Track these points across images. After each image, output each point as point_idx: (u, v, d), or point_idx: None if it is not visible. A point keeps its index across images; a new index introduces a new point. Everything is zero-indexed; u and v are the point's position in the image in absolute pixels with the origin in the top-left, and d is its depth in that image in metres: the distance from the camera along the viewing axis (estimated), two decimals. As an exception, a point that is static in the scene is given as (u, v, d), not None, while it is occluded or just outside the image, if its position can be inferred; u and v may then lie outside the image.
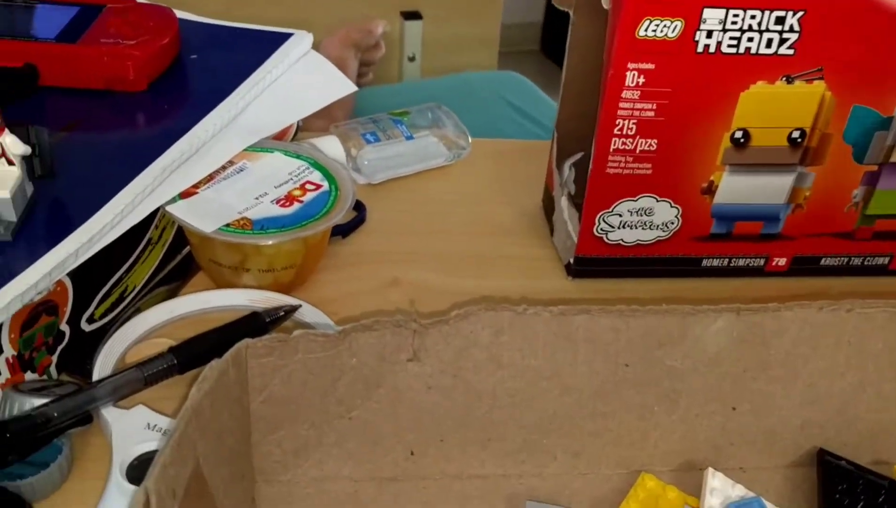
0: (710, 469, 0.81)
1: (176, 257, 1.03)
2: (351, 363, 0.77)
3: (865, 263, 1.10)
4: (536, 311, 0.78)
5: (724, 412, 0.84)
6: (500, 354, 0.79)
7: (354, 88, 1.14)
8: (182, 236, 1.00)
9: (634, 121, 0.96)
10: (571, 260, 1.06)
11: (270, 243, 0.91)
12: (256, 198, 0.97)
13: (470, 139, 1.26)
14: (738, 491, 0.81)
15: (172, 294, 0.98)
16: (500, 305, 0.78)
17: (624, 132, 0.97)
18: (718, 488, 0.80)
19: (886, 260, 1.10)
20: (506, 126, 2.08)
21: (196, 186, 0.97)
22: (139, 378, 0.83)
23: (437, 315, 0.77)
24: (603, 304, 0.79)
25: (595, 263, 1.06)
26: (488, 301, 0.78)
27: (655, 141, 0.98)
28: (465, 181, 1.23)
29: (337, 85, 1.15)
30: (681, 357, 0.81)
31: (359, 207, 1.13)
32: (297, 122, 1.20)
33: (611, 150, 0.98)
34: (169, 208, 0.93)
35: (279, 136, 1.15)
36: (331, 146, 1.17)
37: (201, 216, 0.93)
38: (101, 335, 0.91)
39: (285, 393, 0.76)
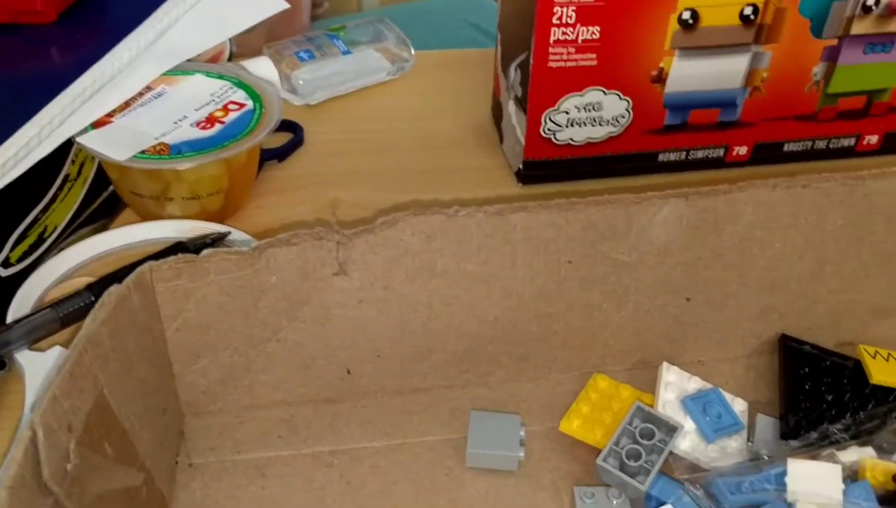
0: (665, 364, 0.77)
1: (101, 195, 0.97)
2: (270, 281, 0.72)
3: (830, 145, 1.04)
4: (469, 212, 0.73)
5: (678, 303, 0.79)
6: (432, 261, 0.74)
7: (286, 6, 1.07)
8: (105, 172, 0.94)
9: (574, 7, 0.89)
10: (521, 165, 1.00)
11: (189, 166, 0.85)
12: (175, 122, 0.91)
13: (413, 51, 1.20)
14: (695, 384, 0.76)
15: (97, 233, 0.93)
16: (431, 208, 0.73)
17: (563, 21, 0.90)
18: (674, 382, 0.76)
19: (853, 141, 1.04)
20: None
21: (110, 115, 0.91)
22: (54, 319, 0.78)
23: (362, 225, 0.72)
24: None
25: (545, 166, 1.00)
26: (417, 206, 0.73)
27: (598, 28, 0.91)
28: (409, 96, 1.17)
29: (267, 4, 1.08)
30: (627, 250, 0.76)
31: (295, 128, 1.07)
32: (231, 46, 1.13)
33: (551, 41, 0.91)
34: (80, 139, 0.87)
35: (211, 61, 1.08)
36: (263, 67, 1.11)
37: (115, 145, 0.87)
38: (21, 282, 0.86)
39: (202, 319, 0.71)
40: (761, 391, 0.79)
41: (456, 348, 0.77)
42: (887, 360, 0.80)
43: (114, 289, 0.64)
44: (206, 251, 0.69)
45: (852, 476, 0.67)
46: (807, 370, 0.77)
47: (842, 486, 0.64)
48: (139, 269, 0.66)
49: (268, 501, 0.70)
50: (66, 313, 0.78)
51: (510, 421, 0.73)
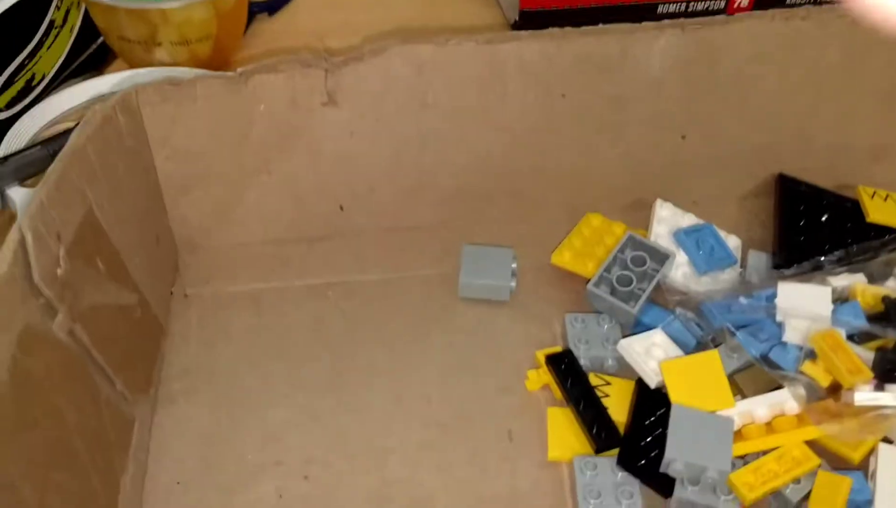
0: (659, 200, 0.76)
1: (89, 46, 0.95)
2: (259, 109, 0.71)
3: (835, -4, 1.01)
4: (459, 41, 0.72)
5: (673, 140, 0.78)
6: (423, 93, 0.72)
7: None
8: (92, 22, 0.92)
9: None
10: (517, 17, 0.98)
11: (175, 5, 0.83)
12: (161, -35, 0.88)
13: None
14: (689, 220, 0.76)
15: (87, 82, 0.91)
16: (420, 37, 0.71)
17: None
18: (667, 217, 0.75)
19: (857, -7, 1.02)
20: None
21: (94, -45, 0.88)
22: (45, 156, 0.77)
23: (350, 51, 0.71)
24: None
25: (542, 17, 0.97)
26: (405, 32, 0.71)
27: None
28: (403, -48, 1.13)
29: None
30: (622, 83, 0.75)
31: (286, -19, 1.05)
32: None
33: None
34: (63, -22, 0.85)
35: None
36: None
37: (100, -15, 0.85)
38: (8, 128, 0.85)
39: (191, 147, 0.71)
40: (755, 231, 0.79)
41: (449, 184, 0.77)
42: (885, 200, 0.80)
43: (98, 107, 0.63)
44: (191, 73, 0.68)
45: (842, 299, 0.68)
46: (803, 207, 0.76)
47: (831, 306, 0.65)
48: (124, 91, 0.66)
49: (263, 329, 0.71)
50: (55, 149, 0.77)
51: (502, 254, 0.74)
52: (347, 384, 0.67)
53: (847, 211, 0.77)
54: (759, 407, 0.61)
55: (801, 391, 0.61)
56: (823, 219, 0.76)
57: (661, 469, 0.58)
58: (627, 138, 0.77)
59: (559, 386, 0.64)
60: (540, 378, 0.66)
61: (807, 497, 0.59)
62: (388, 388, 0.67)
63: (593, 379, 0.65)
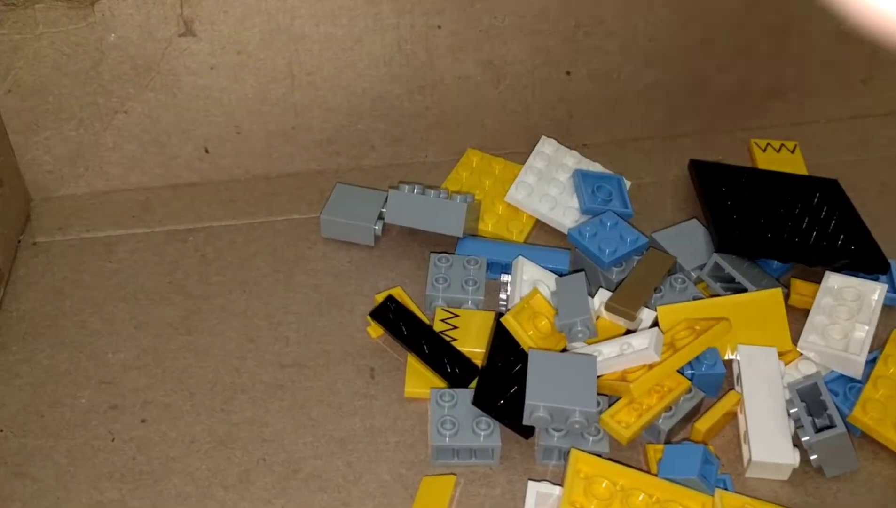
0: (543, 137, 0.72)
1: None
2: (110, 40, 0.66)
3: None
4: (325, -33, 0.68)
5: (559, 77, 0.74)
6: (289, 22, 0.68)
7: None
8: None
9: None
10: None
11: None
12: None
13: None
14: (572, 159, 0.72)
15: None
16: (285, -35, 0.67)
17: None
18: (549, 153, 0.72)
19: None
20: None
21: None
22: None
23: (207, -22, 0.67)
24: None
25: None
26: (269, -37, 0.67)
27: None
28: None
29: None
30: (501, 15, 0.71)
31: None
32: None
33: None
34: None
35: None
36: None
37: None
38: None
39: (37, 81, 0.66)
40: (645, 177, 0.75)
41: (323, 125, 0.73)
42: (779, 151, 0.76)
43: (-80, 26, 0.58)
44: None
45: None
46: (724, 189, 0.70)
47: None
48: (-46, 12, 0.61)
49: (113, 273, 0.66)
50: None
51: (374, 196, 0.69)
52: (198, 326, 0.62)
53: (765, 183, 0.72)
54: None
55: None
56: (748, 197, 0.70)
57: (525, 421, 0.53)
58: (510, 74, 0.74)
59: (393, 337, 0.59)
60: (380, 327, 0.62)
61: (681, 425, 0.55)
62: (241, 330, 0.62)
63: (440, 314, 0.61)
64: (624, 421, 0.54)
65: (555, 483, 0.52)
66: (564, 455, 0.53)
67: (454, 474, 0.53)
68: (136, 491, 0.53)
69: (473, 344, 0.60)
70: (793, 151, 0.76)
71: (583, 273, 0.60)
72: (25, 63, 0.65)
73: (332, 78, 0.71)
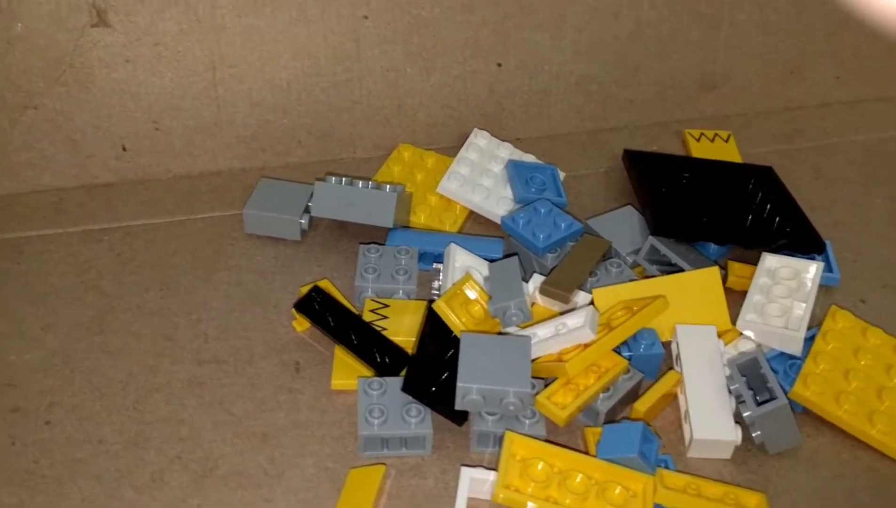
0: (476, 129, 0.71)
1: None
2: (17, 30, 0.63)
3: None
4: (248, -44, 0.66)
5: (489, 70, 0.73)
6: (209, 13, 0.66)
7: None
8: None
9: None
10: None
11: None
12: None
13: None
14: (505, 150, 0.70)
15: None
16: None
17: None
18: (482, 145, 0.70)
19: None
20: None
21: None
22: None
23: (121, -33, 0.64)
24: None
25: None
26: (186, -50, 0.65)
27: None
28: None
29: None
30: (429, 5, 0.69)
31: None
32: None
33: None
34: None
35: None
36: None
37: None
38: None
39: (-64, 72, 0.63)
40: (579, 169, 0.73)
41: (247, 120, 0.70)
42: (713, 141, 0.76)
43: None
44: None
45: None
46: (658, 178, 0.69)
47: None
48: None
49: (20, 275, 0.62)
50: None
51: (299, 190, 0.66)
52: (110, 326, 0.58)
53: (700, 171, 0.71)
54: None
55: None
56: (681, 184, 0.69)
57: (457, 406, 0.50)
58: (440, 66, 0.72)
59: (319, 328, 0.57)
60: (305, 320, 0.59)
61: (619, 407, 0.53)
62: (158, 328, 0.58)
63: (369, 304, 0.58)
64: (560, 402, 0.51)
65: (489, 469, 0.49)
66: (500, 440, 0.51)
67: (383, 464, 0.50)
68: (36, 497, 0.49)
69: (405, 334, 0.57)
70: (727, 141, 0.76)
71: (516, 257, 0.58)
72: (-75, 54, 0.62)
73: (255, 71, 0.69)
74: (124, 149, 0.69)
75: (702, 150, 0.75)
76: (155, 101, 0.68)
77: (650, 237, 0.61)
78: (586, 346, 0.52)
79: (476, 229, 0.67)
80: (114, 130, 0.68)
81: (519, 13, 0.71)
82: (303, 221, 0.65)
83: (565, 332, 0.53)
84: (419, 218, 0.67)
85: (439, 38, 0.71)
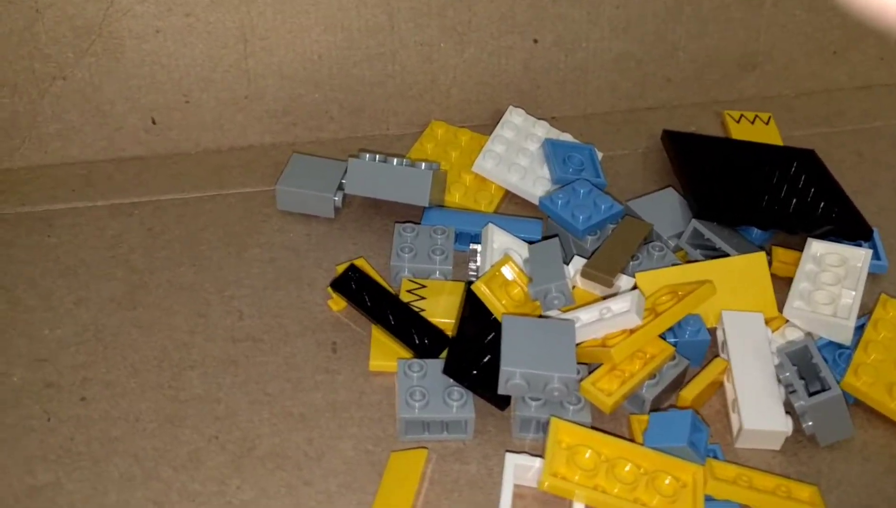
0: (511, 106, 0.69)
1: None
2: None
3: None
4: (282, -72, 0.64)
5: (525, 46, 0.71)
6: (243, -15, 0.64)
7: None
8: None
9: None
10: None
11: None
12: None
13: None
14: (541, 129, 0.69)
15: None
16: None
17: None
18: (517, 123, 0.68)
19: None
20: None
21: None
22: None
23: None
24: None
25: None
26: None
27: None
28: None
29: None
30: (465, -21, 0.68)
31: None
32: None
33: None
34: None
35: None
36: None
37: None
38: None
39: (-35, 39, 0.61)
40: (617, 150, 0.72)
41: (278, 94, 0.69)
42: (753, 122, 0.74)
43: None
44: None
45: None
46: (699, 158, 0.67)
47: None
48: None
49: (50, 248, 0.61)
50: None
51: (333, 166, 0.65)
52: (142, 300, 0.57)
53: (741, 153, 0.69)
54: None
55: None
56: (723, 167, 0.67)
57: (500, 391, 0.49)
58: (475, 41, 0.70)
59: (356, 307, 0.55)
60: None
61: (665, 395, 0.52)
62: (190, 304, 0.57)
63: (406, 285, 0.57)
64: (606, 389, 0.50)
65: (534, 455, 0.48)
66: (543, 426, 0.50)
67: (426, 448, 0.49)
68: (73, 474, 0.48)
69: (442, 315, 0.56)
70: (767, 123, 0.74)
71: (556, 239, 0.57)
72: (-47, 21, 0.60)
73: (287, 44, 0.67)
74: (154, 122, 0.68)
75: (742, 131, 0.73)
76: (185, 73, 0.66)
77: (693, 221, 0.60)
78: (631, 331, 0.51)
79: (512, 209, 0.66)
80: (143, 101, 0.67)
81: (557, -12, 0.70)
82: (336, 198, 0.63)
83: (610, 317, 0.52)
84: (454, 197, 0.65)
85: (474, 12, 0.69)
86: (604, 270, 0.55)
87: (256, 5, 0.65)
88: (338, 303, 0.57)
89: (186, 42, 0.65)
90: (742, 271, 0.56)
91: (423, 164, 0.62)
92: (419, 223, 0.62)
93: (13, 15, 0.61)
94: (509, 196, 0.67)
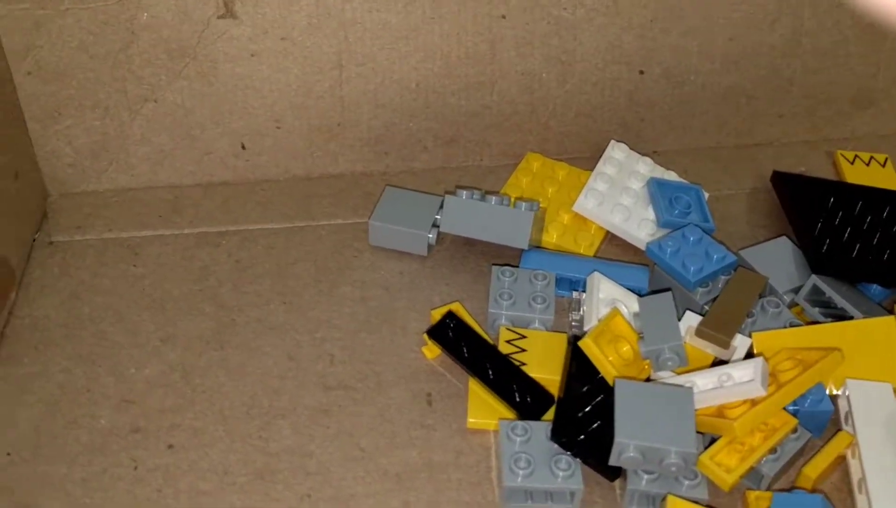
0: (613, 141, 0.66)
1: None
2: (142, 20, 0.60)
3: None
4: (383, -51, 0.61)
5: (630, 77, 0.68)
6: (340, 7, 0.62)
7: None
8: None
9: None
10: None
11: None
12: None
13: None
14: (645, 166, 0.65)
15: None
16: (337, -58, 0.61)
17: None
18: (620, 159, 0.65)
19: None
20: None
21: None
22: None
23: (253, -45, 0.60)
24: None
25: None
26: (320, -60, 0.61)
27: None
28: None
29: None
30: (571, 6, 0.64)
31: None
32: None
33: None
34: None
35: None
36: None
37: None
38: None
39: (60, 62, 0.60)
40: (724, 190, 0.68)
41: (372, 122, 0.66)
42: (868, 165, 0.70)
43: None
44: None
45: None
46: (814, 205, 0.63)
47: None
48: (-29, -19, 0.55)
49: (137, 278, 0.59)
50: None
51: (427, 201, 0.62)
52: (231, 340, 0.55)
53: (858, 199, 0.64)
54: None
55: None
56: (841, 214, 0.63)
57: (612, 462, 0.46)
58: (578, 72, 0.67)
59: (453, 358, 0.53)
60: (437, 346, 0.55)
61: (784, 469, 0.48)
62: (280, 345, 0.55)
63: (504, 334, 0.54)
64: (725, 464, 0.47)
65: (647, 535, 0.45)
66: (655, 501, 0.46)
67: (529, 520, 0.46)
68: (162, 530, 0.46)
69: (543, 370, 0.53)
70: (884, 165, 0.69)
71: (670, 293, 0.54)
72: (48, 42, 0.59)
73: (383, 70, 0.65)
74: (243, 147, 0.66)
75: (856, 173, 0.69)
76: (278, 98, 0.64)
77: (813, 276, 0.56)
78: (754, 402, 0.48)
79: (612, 251, 0.63)
80: (234, 126, 0.65)
81: (667, 17, 0.66)
82: (431, 235, 0.61)
83: (731, 384, 0.48)
84: (551, 237, 0.62)
85: (580, 41, 0.66)
86: (721, 330, 0.52)
87: (355, 30, 0.63)
88: (432, 350, 0.55)
89: (281, 66, 0.63)
90: (868, 336, 0.52)
91: (524, 204, 0.59)
92: (517, 266, 0.59)
93: (109, 37, 0.60)
94: (610, 237, 0.63)
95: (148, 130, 0.64)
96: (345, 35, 0.63)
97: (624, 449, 0.45)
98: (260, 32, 0.62)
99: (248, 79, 0.63)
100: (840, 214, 0.62)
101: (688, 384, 0.49)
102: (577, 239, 0.62)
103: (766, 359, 0.51)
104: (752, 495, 0.47)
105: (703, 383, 0.49)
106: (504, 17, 0.64)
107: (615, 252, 0.63)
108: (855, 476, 0.49)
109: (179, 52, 0.61)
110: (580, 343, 0.51)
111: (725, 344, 0.51)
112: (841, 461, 0.50)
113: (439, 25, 0.64)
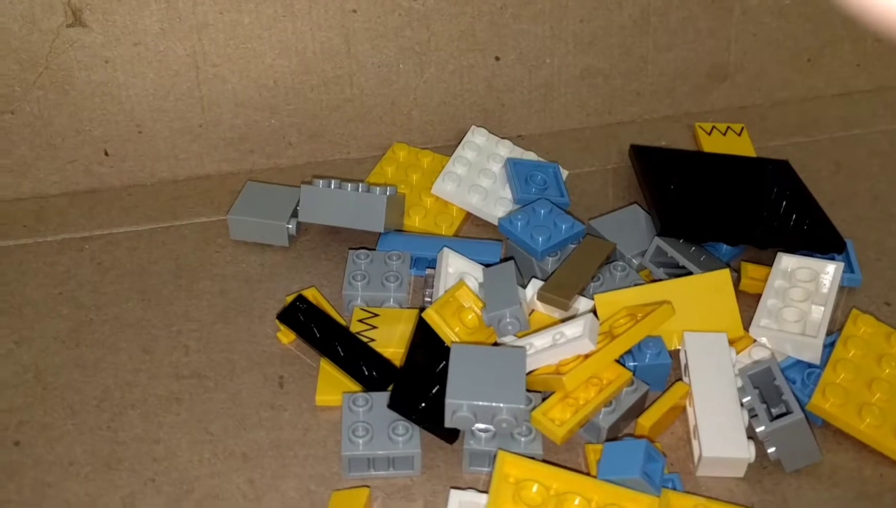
0: (473, 127, 0.67)
1: None
2: (-10, 31, 0.60)
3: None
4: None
5: (487, 64, 0.69)
6: (191, 10, 0.63)
7: None
8: None
9: None
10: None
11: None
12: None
13: None
14: (505, 148, 0.67)
15: None
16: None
17: None
18: (479, 143, 0.66)
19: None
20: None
21: None
22: None
23: (97, -37, 0.61)
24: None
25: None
26: (165, -55, 0.62)
27: None
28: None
29: None
30: (421, -2, 0.66)
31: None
32: None
33: None
34: None
35: None
36: None
37: None
38: None
39: None
40: (585, 167, 0.70)
41: (233, 121, 0.67)
42: (725, 134, 0.72)
43: None
44: None
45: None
46: (666, 174, 0.65)
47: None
48: None
49: (-2, 286, 0.59)
50: None
51: (286, 193, 0.63)
52: (86, 338, 0.56)
53: (711, 166, 0.67)
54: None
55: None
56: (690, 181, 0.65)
57: (447, 424, 0.47)
58: (435, 61, 0.69)
59: (304, 340, 0.53)
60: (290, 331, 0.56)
61: (624, 422, 0.50)
62: (135, 341, 0.55)
63: (357, 314, 0.55)
64: (558, 418, 0.48)
65: (481, 491, 0.45)
66: (491, 459, 0.47)
67: (367, 486, 0.47)
68: (1, 524, 0.46)
69: (396, 345, 0.54)
70: (739, 134, 0.72)
71: (512, 262, 0.55)
72: None
73: (240, 70, 0.66)
74: (106, 154, 0.66)
75: (714, 144, 0.71)
76: (137, 103, 0.65)
77: (656, 238, 0.58)
78: (585, 357, 0.49)
79: (474, 231, 0.64)
80: (95, 133, 0.65)
81: (517, 3, 0.68)
82: (290, 226, 0.61)
83: (563, 342, 0.50)
84: (413, 221, 0.63)
85: (433, 31, 0.67)
86: (560, 292, 0.53)
87: (208, 32, 0.64)
88: (287, 335, 0.55)
89: (137, 72, 0.64)
90: (706, 290, 0.54)
91: (378, 188, 0.60)
92: (375, 249, 0.60)
93: (-44, 50, 0.60)
94: (471, 219, 0.65)
95: (7, 143, 0.64)
96: (198, 37, 0.64)
97: (456, 409, 0.46)
98: (112, 39, 0.63)
99: (104, 86, 0.64)
100: (689, 179, 0.64)
101: (525, 345, 0.50)
102: (438, 221, 0.63)
103: (606, 318, 0.52)
104: (590, 448, 0.48)
105: (539, 342, 0.50)
106: (355, 11, 0.66)
107: (476, 232, 0.64)
108: (691, 424, 0.50)
109: (31, 62, 0.62)
110: (423, 314, 0.52)
111: (564, 306, 0.53)
112: (680, 411, 0.51)
113: (292, 22, 0.65)
